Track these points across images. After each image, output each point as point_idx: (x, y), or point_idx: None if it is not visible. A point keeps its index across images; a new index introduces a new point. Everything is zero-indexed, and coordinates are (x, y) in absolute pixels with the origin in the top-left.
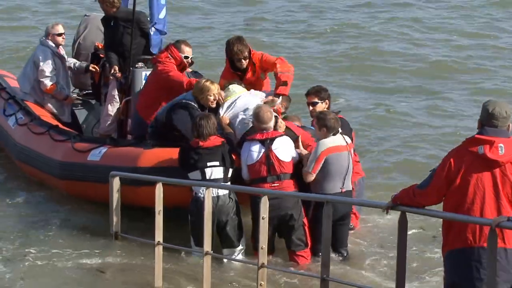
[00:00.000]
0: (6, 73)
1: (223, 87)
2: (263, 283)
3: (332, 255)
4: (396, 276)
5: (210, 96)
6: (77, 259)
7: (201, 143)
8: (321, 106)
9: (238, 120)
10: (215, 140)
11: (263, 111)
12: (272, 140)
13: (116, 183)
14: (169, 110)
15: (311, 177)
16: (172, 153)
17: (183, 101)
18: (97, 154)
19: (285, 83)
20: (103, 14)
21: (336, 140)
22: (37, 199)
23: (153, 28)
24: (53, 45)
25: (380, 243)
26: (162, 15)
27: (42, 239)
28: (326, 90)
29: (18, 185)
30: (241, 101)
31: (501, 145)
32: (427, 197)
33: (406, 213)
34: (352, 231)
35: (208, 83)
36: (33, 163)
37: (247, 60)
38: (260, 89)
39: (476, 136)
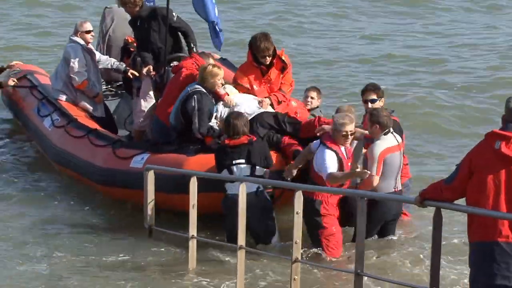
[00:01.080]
0: (38, 69)
1: (237, 80)
2: (296, 277)
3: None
4: (430, 271)
5: (219, 80)
6: (113, 251)
7: (226, 141)
8: (379, 104)
9: None
10: (242, 138)
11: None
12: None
13: (150, 176)
14: (182, 104)
15: (377, 180)
16: (211, 158)
17: (190, 91)
18: (139, 161)
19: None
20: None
21: (389, 140)
22: (71, 196)
23: (217, 27)
24: (82, 41)
25: (416, 236)
26: (216, 12)
27: (77, 233)
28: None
29: (52, 182)
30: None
31: None
32: (453, 192)
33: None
34: None
35: (215, 68)
36: (72, 167)
37: (271, 57)
38: (276, 86)
39: (494, 130)
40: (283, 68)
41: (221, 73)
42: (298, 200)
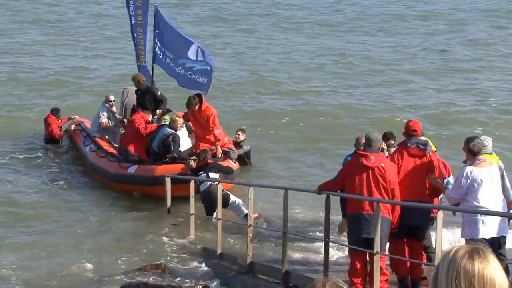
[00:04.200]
0: (84, 120)
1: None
2: (250, 235)
3: None
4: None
5: (179, 124)
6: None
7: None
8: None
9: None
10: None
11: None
12: None
13: (168, 181)
14: (163, 141)
15: None
16: (172, 167)
17: (166, 133)
18: (132, 169)
19: (219, 140)
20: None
21: None
22: (101, 195)
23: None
24: (108, 105)
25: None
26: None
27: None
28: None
29: (90, 183)
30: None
31: (372, 157)
32: (335, 186)
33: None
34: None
35: (177, 118)
36: (98, 172)
37: (197, 107)
38: (202, 125)
39: (358, 151)
40: (200, 115)
41: (180, 120)
42: (251, 192)
